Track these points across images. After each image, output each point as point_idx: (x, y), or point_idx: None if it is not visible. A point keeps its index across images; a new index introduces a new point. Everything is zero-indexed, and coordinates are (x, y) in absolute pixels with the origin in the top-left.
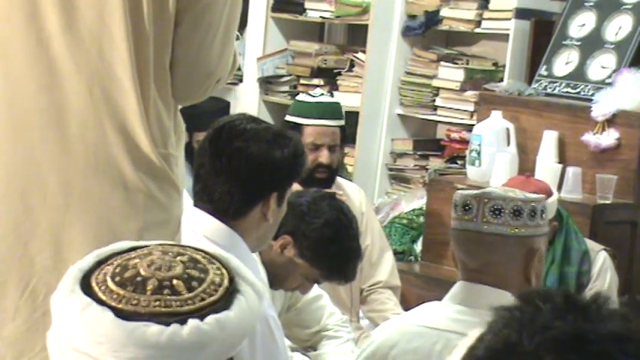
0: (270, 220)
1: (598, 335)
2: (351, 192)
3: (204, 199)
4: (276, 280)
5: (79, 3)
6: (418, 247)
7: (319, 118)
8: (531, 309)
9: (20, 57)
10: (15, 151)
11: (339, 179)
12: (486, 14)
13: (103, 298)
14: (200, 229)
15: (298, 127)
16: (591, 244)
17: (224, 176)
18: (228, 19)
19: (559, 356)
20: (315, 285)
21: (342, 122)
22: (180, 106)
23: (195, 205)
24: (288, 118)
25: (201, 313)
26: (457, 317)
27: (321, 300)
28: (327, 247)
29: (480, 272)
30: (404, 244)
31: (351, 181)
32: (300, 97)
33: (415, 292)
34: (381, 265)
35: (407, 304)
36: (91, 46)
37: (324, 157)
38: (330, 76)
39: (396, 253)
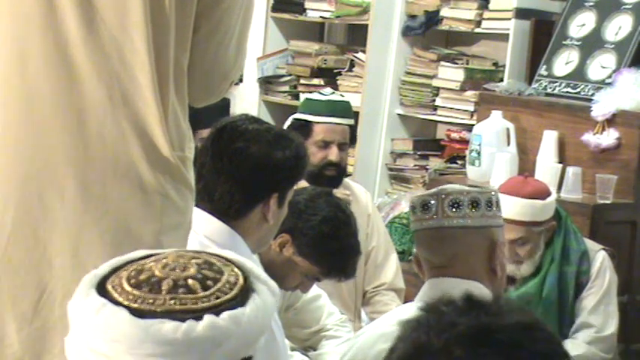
0: (271, 221)
1: (504, 326)
2: (358, 194)
3: (205, 199)
4: (276, 280)
5: (99, 6)
6: None
7: (330, 116)
8: (436, 313)
9: (38, 59)
10: (33, 154)
11: (347, 180)
12: (486, 14)
13: (119, 299)
14: (200, 228)
15: (308, 124)
16: (590, 244)
17: (225, 176)
18: (242, 23)
19: (468, 348)
20: (314, 285)
21: (351, 121)
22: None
23: (196, 205)
24: (298, 116)
25: (216, 310)
26: None
27: (320, 299)
28: (325, 244)
29: (446, 267)
30: (404, 244)
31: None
32: (311, 95)
33: (415, 292)
34: (385, 267)
35: None
36: (111, 50)
37: (333, 154)
38: (330, 76)
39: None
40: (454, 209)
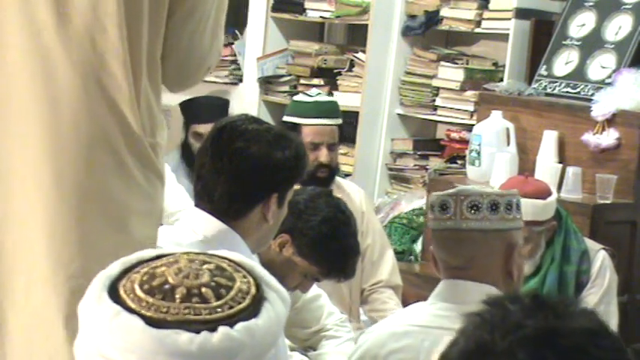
0: (271, 221)
1: (570, 330)
2: (350, 192)
3: (205, 199)
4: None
5: None
6: (418, 246)
7: (317, 117)
8: (501, 311)
9: (14, 48)
10: (11, 143)
11: (338, 179)
12: (486, 14)
13: (133, 306)
14: (200, 228)
15: (296, 127)
16: (590, 244)
17: (224, 176)
18: (217, 9)
19: (533, 352)
20: (314, 284)
21: (339, 121)
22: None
23: (196, 205)
24: (285, 118)
25: (230, 321)
26: (443, 314)
27: (320, 299)
28: (325, 244)
29: (463, 269)
30: (404, 243)
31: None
32: (298, 97)
33: (415, 291)
34: (381, 264)
35: (407, 304)
36: (84, 37)
37: (323, 156)
38: (330, 76)
39: (396, 252)
40: (472, 211)
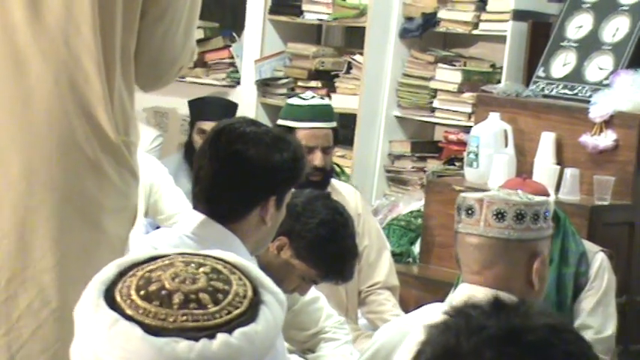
0: (269, 224)
1: (533, 327)
2: (346, 194)
3: (203, 202)
4: (274, 282)
5: None
6: (416, 248)
7: (311, 121)
8: (463, 316)
9: None
10: None
11: (333, 182)
12: (484, 16)
13: (130, 313)
14: (199, 231)
15: (290, 130)
16: (589, 245)
17: (222, 179)
18: (191, 9)
19: (498, 350)
20: (313, 287)
21: (334, 124)
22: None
23: (194, 207)
24: (280, 122)
25: (228, 327)
26: None
27: (319, 302)
28: (323, 247)
29: (483, 275)
30: (402, 245)
31: (345, 182)
32: (292, 100)
33: (413, 293)
34: (378, 265)
35: (405, 306)
36: (57, 36)
37: (317, 159)
38: (327, 79)
39: (394, 254)
40: (497, 220)
